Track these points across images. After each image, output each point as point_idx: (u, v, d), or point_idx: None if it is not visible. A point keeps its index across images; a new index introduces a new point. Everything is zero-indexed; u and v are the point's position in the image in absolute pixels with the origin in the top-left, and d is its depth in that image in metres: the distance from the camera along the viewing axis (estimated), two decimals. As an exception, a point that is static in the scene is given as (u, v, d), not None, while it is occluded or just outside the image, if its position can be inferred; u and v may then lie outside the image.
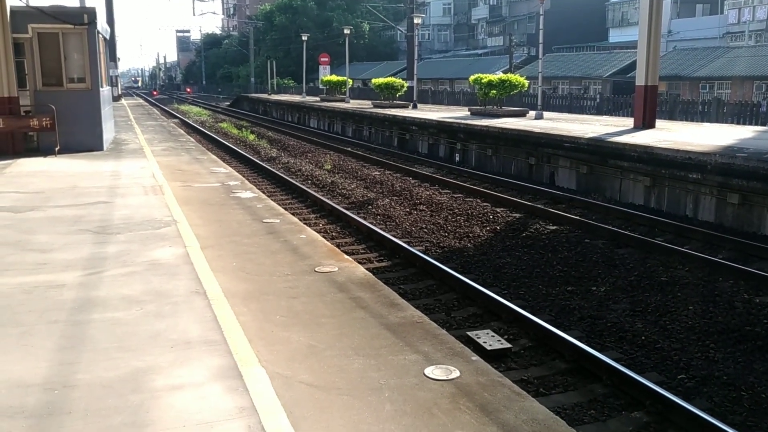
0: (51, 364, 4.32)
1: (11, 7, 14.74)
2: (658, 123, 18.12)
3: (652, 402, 5.34)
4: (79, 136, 15.82)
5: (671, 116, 23.99)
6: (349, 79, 39.70)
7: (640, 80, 17.18)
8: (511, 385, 4.12)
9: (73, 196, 10.25)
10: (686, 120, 23.05)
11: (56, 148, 15.19)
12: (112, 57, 40.35)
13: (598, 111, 27.91)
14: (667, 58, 36.92)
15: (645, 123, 17.19)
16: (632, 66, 33.33)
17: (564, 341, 6.40)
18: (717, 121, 21.97)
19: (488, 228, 11.67)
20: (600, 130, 16.94)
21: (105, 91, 18.05)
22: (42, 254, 6.94)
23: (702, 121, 22.66)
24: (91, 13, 15.79)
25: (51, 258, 6.79)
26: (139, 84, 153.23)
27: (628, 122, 18.87)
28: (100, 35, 16.82)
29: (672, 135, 15.25)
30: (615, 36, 53.55)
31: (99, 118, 16.30)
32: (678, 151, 12.55)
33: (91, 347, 4.58)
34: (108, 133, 18.14)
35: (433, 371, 4.25)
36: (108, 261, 6.69)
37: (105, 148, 16.73)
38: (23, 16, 15.00)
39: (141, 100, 66.73)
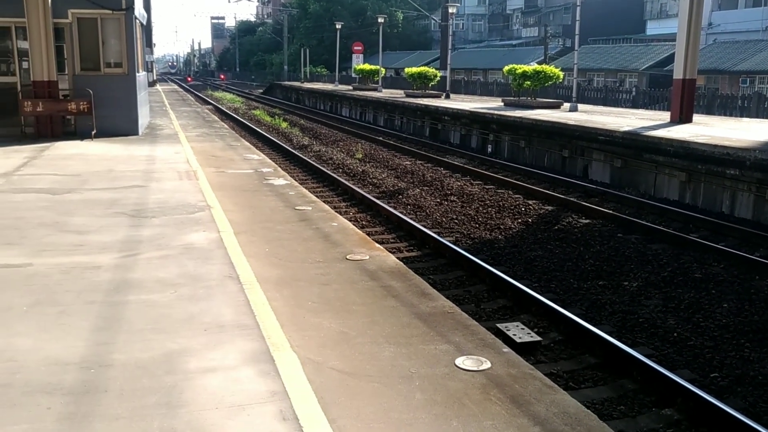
0: (87, 343, 4.40)
1: (52, -9, 14.98)
2: (696, 117, 17.81)
3: (684, 399, 5.28)
4: (115, 120, 16.04)
5: (709, 111, 23.56)
6: (382, 68, 39.67)
7: (678, 73, 16.89)
8: (543, 378, 4.10)
9: (109, 180, 10.41)
10: (725, 115, 22.61)
11: (93, 132, 15.42)
12: (148, 43, 40.72)
13: (634, 104, 27.51)
14: (707, 51, 36.22)
15: (682, 117, 16.90)
16: (670, 59, 32.78)
17: (594, 336, 6.36)
18: (757, 117, 21.52)
19: (520, 220, 11.60)
20: (635, 123, 16.71)
21: (141, 76, 18.25)
22: (79, 236, 7.06)
23: (741, 116, 22.21)
24: (129, -2, 15.97)
25: (88, 240, 6.91)
26: (176, 70, 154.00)
27: (665, 116, 18.58)
28: (137, 21, 17.01)
29: (710, 130, 14.99)
30: (653, 28, 52.63)
31: (135, 103, 16.50)
32: (716, 146, 12.34)
33: (126, 328, 4.66)
34: (143, 118, 18.36)
35: (464, 362, 4.25)
36: (143, 244, 6.79)
37: (140, 133, 16.94)
38: (64, 1, 15.22)
39: (176, 86, 67.43)
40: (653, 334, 6.86)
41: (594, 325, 6.66)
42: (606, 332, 6.50)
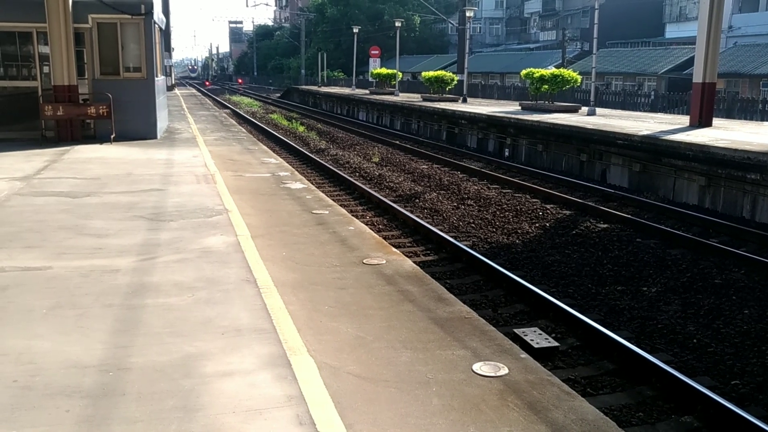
0: (106, 346, 4.43)
1: (73, -3, 15.14)
2: (716, 121, 17.66)
3: (704, 407, 5.22)
4: (134, 124, 16.16)
5: (729, 115, 23.35)
6: (399, 72, 39.68)
7: (697, 77, 16.75)
8: (561, 384, 4.07)
9: (128, 183, 10.48)
10: (745, 119, 22.40)
11: (112, 136, 15.54)
12: (167, 47, 41.02)
13: (653, 108, 27.33)
14: (727, 54, 35.87)
15: (701, 121, 16.77)
16: (689, 62, 32.51)
17: (613, 341, 6.31)
18: (777, 121, 21.28)
19: (537, 225, 11.55)
20: (654, 127, 16.59)
21: (160, 80, 18.38)
22: (98, 239, 7.11)
23: (762, 120, 21.99)
24: (149, 3, 16.09)
25: (106, 243, 6.96)
26: (197, 74, 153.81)
27: (684, 120, 18.44)
28: (156, 25, 17.13)
29: (730, 134, 14.85)
30: (672, 31, 52.25)
31: (153, 107, 16.61)
32: (736, 150, 12.21)
33: (144, 331, 4.68)
34: (162, 122, 18.47)
35: (482, 367, 4.23)
36: (161, 247, 6.83)
37: (159, 137, 17.05)
38: (84, 6, 15.37)
39: (194, 90, 67.88)
40: (672, 340, 6.79)
41: (612, 331, 6.61)
42: (624, 338, 6.45)
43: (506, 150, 21.01)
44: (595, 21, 22.19)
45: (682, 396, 5.42)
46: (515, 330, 6.63)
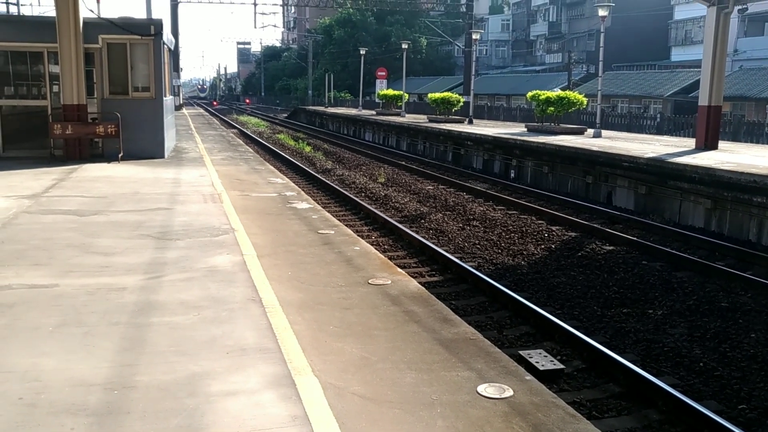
0: (112, 364, 4.44)
1: (84, 18, 15.31)
2: (721, 144, 17.68)
3: (711, 431, 5.18)
4: (142, 143, 16.25)
5: (735, 138, 23.35)
6: (405, 94, 39.87)
7: (703, 100, 16.80)
8: (566, 407, 4.06)
9: (135, 202, 10.53)
10: (751, 142, 22.38)
11: (120, 155, 15.63)
12: (175, 67, 41.29)
13: (658, 130, 27.34)
14: (733, 77, 35.97)
15: (707, 144, 16.79)
16: (695, 85, 32.61)
17: (618, 364, 6.28)
18: (784, 144, 21.25)
19: (543, 246, 11.54)
20: (660, 150, 16.61)
21: (168, 100, 18.51)
22: (105, 257, 7.14)
23: (768, 143, 21.98)
24: (158, 24, 16.26)
25: (113, 261, 6.99)
26: (206, 94, 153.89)
27: (690, 143, 18.46)
28: (165, 46, 17.29)
29: (735, 157, 14.85)
30: (677, 55, 52.46)
31: (161, 127, 16.71)
32: (742, 173, 12.21)
33: (149, 350, 4.69)
34: (169, 142, 18.57)
35: (486, 389, 4.22)
36: (167, 266, 6.84)
37: (166, 156, 17.14)
38: (94, 27, 15.55)
39: (201, 110, 68.28)
40: (678, 363, 6.76)
41: (618, 354, 6.58)
42: (630, 361, 6.43)
43: (512, 171, 21.05)
44: (601, 44, 22.31)
45: (689, 420, 5.39)
46: (520, 352, 6.61)
